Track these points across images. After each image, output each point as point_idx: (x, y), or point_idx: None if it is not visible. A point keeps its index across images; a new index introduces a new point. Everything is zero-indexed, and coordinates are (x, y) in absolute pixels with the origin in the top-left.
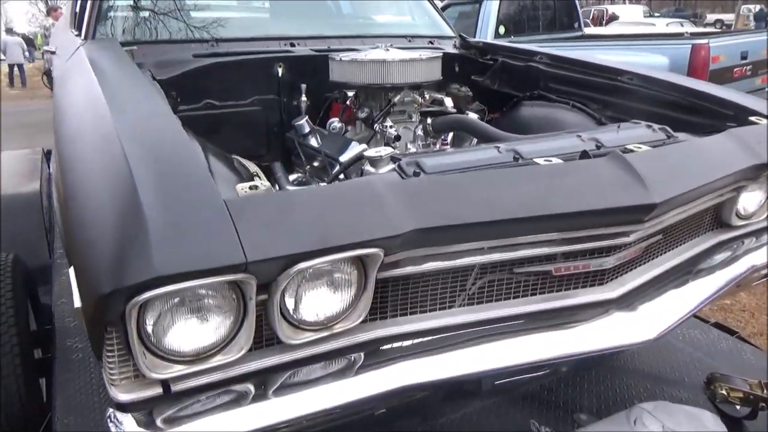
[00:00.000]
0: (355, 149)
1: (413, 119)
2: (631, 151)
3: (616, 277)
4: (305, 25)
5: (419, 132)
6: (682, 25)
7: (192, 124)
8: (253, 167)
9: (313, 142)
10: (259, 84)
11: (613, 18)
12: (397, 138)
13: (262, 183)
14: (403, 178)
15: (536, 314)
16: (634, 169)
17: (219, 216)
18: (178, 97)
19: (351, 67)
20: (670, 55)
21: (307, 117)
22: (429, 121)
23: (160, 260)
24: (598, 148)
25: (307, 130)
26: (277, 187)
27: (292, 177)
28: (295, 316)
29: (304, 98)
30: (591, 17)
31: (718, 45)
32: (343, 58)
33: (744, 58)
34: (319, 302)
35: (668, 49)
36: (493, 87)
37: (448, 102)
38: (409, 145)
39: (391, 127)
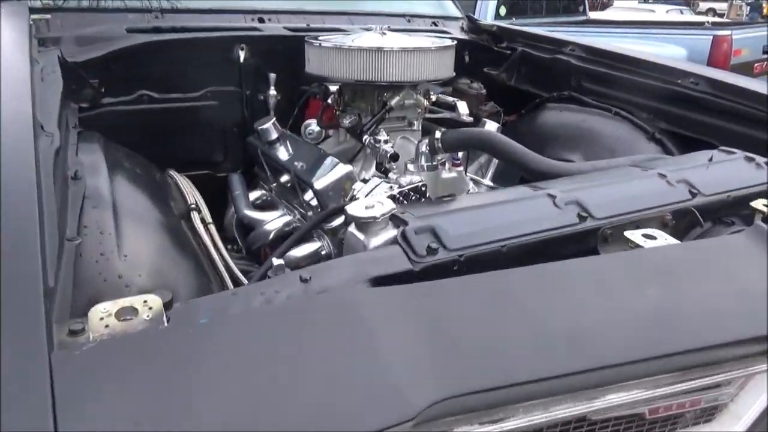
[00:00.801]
0: (335, 173)
1: (414, 127)
2: (763, 213)
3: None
4: None
5: (423, 148)
6: (681, 13)
7: (120, 122)
8: (192, 196)
9: (282, 153)
10: (215, 71)
11: (607, 3)
12: (394, 158)
13: (148, 307)
14: (411, 259)
15: None
16: None
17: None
18: (101, 86)
19: (335, 56)
20: (688, 46)
21: (274, 119)
22: (437, 135)
23: None
24: (693, 195)
25: (273, 136)
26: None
27: (254, 195)
28: None
29: (273, 92)
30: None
31: (741, 37)
32: (323, 44)
33: (766, 52)
34: None
35: (686, 39)
36: (509, 83)
37: (462, 107)
38: (409, 166)
39: (386, 141)
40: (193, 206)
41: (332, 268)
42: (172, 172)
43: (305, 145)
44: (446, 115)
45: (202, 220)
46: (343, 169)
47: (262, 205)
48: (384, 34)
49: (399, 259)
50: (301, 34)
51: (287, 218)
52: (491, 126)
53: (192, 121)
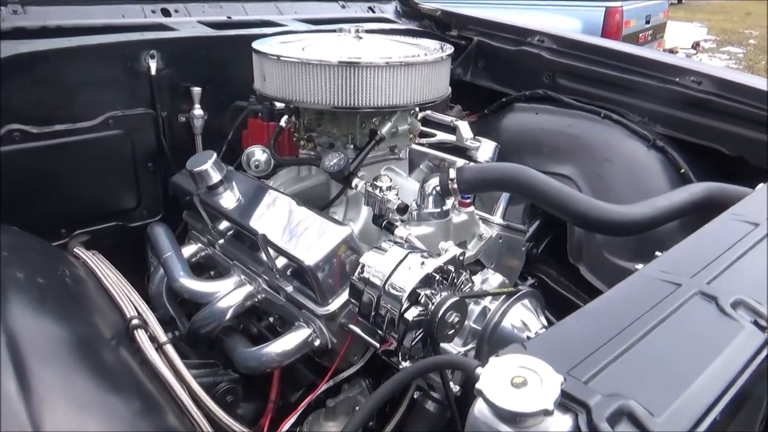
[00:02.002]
0: (330, 239)
1: (401, 155)
2: None
3: None
4: None
5: (430, 190)
6: None
7: None
8: (130, 300)
9: (228, 201)
10: (116, 90)
11: None
12: (402, 210)
13: None
14: None
15: None
16: None
17: None
18: None
19: (304, 75)
20: (582, 18)
21: (215, 156)
22: (452, 175)
23: None
24: None
25: (216, 179)
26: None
27: (187, 251)
28: None
29: (198, 111)
30: None
31: (630, 8)
32: (284, 56)
33: (648, 22)
34: None
35: (579, 11)
36: (464, 78)
37: (465, 129)
38: (413, 211)
39: (389, 188)
40: (136, 320)
41: None
42: (82, 252)
43: (265, 190)
44: (442, 139)
45: (152, 339)
46: (341, 232)
47: (203, 267)
48: (360, 38)
49: None
50: (229, 34)
51: (247, 289)
52: (465, 129)
53: (88, 160)
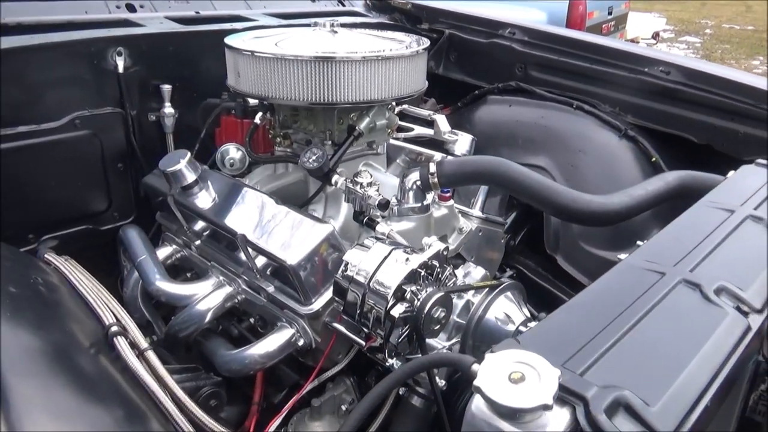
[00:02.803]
0: (312, 237)
1: (379, 150)
2: None
3: None
4: None
5: (410, 185)
6: None
7: None
8: (108, 307)
9: (204, 201)
10: (83, 89)
11: None
12: (383, 206)
13: None
14: None
15: None
16: None
17: None
18: None
19: (279, 70)
20: (547, 9)
21: (189, 156)
22: (432, 169)
23: None
24: None
25: (191, 179)
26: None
27: (162, 253)
28: None
29: (168, 109)
30: None
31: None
32: (258, 51)
33: (610, 13)
34: None
35: (544, 2)
36: (436, 71)
37: (442, 122)
38: (393, 207)
39: (369, 184)
40: (115, 327)
41: None
42: (53, 258)
43: (242, 189)
44: (420, 133)
45: (133, 346)
46: (322, 230)
47: (179, 269)
48: (335, 32)
49: None
50: (199, 29)
51: (227, 290)
52: (443, 123)
53: (55, 162)
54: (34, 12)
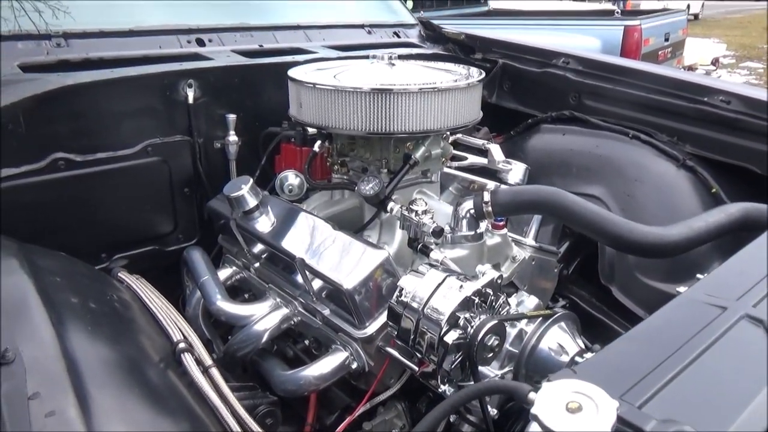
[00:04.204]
0: (368, 262)
1: (433, 179)
2: None
3: None
4: (217, 10)
5: (464, 213)
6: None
7: (28, 201)
8: (176, 326)
9: (264, 225)
10: (156, 118)
11: None
12: (438, 234)
13: None
14: None
15: None
16: None
17: None
18: None
19: (339, 101)
20: (600, 37)
21: (251, 183)
22: (487, 198)
23: None
24: None
25: (252, 204)
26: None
27: (223, 274)
28: None
29: (233, 137)
30: None
31: (649, 27)
32: (319, 84)
33: (667, 39)
34: None
35: (598, 29)
36: (489, 100)
37: (496, 152)
38: (447, 234)
39: (425, 212)
40: (183, 344)
41: None
42: (126, 276)
43: (300, 214)
44: (474, 162)
45: (198, 362)
46: (377, 256)
47: (238, 290)
48: (393, 64)
49: None
50: (262, 62)
51: (283, 311)
52: (497, 152)
53: (128, 186)
54: (114, 48)
